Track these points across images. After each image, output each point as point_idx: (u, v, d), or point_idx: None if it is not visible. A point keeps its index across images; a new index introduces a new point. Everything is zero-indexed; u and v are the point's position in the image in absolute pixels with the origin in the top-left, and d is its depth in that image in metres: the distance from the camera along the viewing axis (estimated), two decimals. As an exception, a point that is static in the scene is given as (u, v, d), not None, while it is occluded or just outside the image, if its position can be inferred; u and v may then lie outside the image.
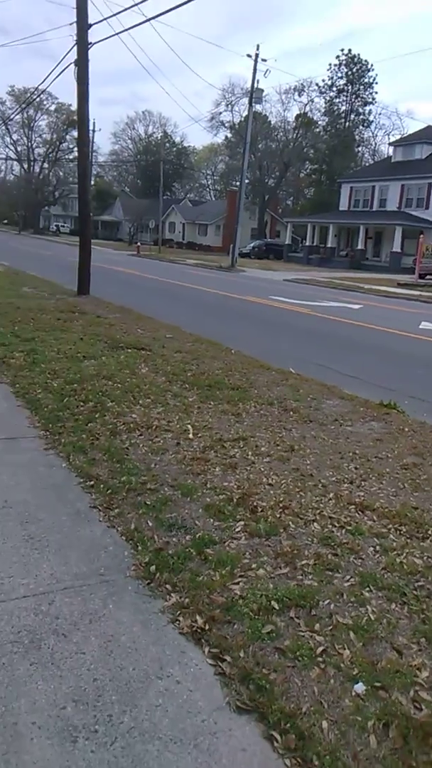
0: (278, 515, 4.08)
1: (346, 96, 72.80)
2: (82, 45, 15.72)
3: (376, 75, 73.17)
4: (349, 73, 71.59)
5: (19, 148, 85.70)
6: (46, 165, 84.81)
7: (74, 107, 19.51)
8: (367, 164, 69.65)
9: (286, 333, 13.75)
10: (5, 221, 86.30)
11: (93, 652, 2.73)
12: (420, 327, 16.29)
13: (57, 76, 36.13)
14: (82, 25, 15.70)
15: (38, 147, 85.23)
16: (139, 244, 56.44)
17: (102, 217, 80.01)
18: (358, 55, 70.77)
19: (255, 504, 4.21)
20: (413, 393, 8.28)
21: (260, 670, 2.64)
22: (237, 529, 3.87)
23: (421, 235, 39.94)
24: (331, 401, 7.18)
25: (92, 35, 15.96)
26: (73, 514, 4.00)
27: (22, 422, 5.72)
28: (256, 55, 38.26)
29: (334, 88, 72.13)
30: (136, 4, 15.17)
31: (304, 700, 2.50)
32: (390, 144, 60.61)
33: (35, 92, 59.41)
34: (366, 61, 70.76)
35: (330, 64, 73.98)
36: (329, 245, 52.01)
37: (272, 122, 74.73)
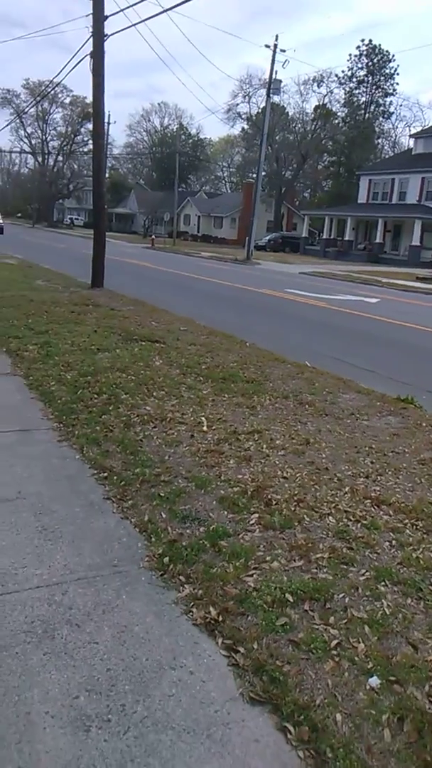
0: (293, 508, 4.06)
1: (367, 87, 72.06)
2: (98, 37, 15.68)
3: (398, 66, 72.36)
4: (370, 63, 70.85)
5: (33, 141, 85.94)
6: (60, 158, 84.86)
7: (89, 99, 19.51)
8: (386, 156, 69.00)
9: (302, 326, 13.69)
10: (19, 214, 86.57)
11: (106, 642, 2.73)
12: (437, 321, 16.15)
13: (72, 69, 36.23)
14: (98, 16, 15.65)
15: (53, 140, 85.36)
16: (153, 236, 56.47)
17: (116, 209, 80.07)
18: (379, 45, 70.10)
19: (269, 497, 4.20)
20: (431, 388, 8.21)
21: (274, 662, 2.62)
22: (251, 522, 3.86)
23: (440, 229, 39.54)
24: (347, 395, 7.14)
25: (108, 27, 15.95)
26: (86, 506, 4.00)
27: (36, 414, 5.74)
28: (275, 46, 37.93)
29: (354, 79, 71.46)
30: (153, -5, 15.09)
31: (318, 693, 2.48)
32: (411, 136, 59.85)
33: (50, 85, 59.53)
34: (387, 51, 70.03)
35: (350, 55, 73.48)
36: (347, 238, 51.66)
37: (290, 113, 74.37)
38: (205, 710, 2.40)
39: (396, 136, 78.17)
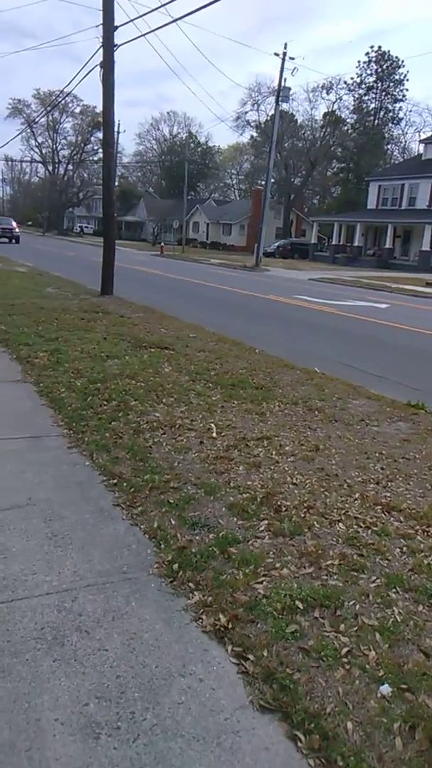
0: (303, 515, 4.05)
1: (376, 93, 71.97)
2: (108, 47, 15.78)
3: (408, 71, 72.04)
4: (379, 70, 70.81)
5: (43, 151, 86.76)
6: (70, 167, 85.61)
7: (99, 109, 19.63)
8: (396, 162, 68.92)
9: (311, 332, 13.67)
10: (29, 223, 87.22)
11: (116, 649, 2.73)
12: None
13: (82, 79, 36.48)
14: (108, 27, 15.75)
15: (63, 149, 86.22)
16: (162, 244, 56.63)
17: (126, 217, 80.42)
18: (389, 51, 70.00)
19: (279, 503, 4.19)
20: (440, 393, 8.17)
21: (284, 669, 2.61)
22: (261, 528, 3.85)
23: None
24: (357, 401, 7.12)
25: (118, 37, 16.03)
26: (96, 512, 4.01)
27: (46, 421, 5.76)
28: (284, 54, 37.91)
29: (364, 86, 71.36)
30: (163, 5, 15.16)
31: (329, 701, 2.47)
32: (421, 141, 59.66)
33: (60, 95, 59.99)
34: (397, 57, 69.91)
35: (359, 62, 73.28)
36: (356, 244, 51.60)
37: (299, 121, 74.43)
38: (214, 718, 2.39)
39: (406, 141, 78.17)
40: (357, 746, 2.26)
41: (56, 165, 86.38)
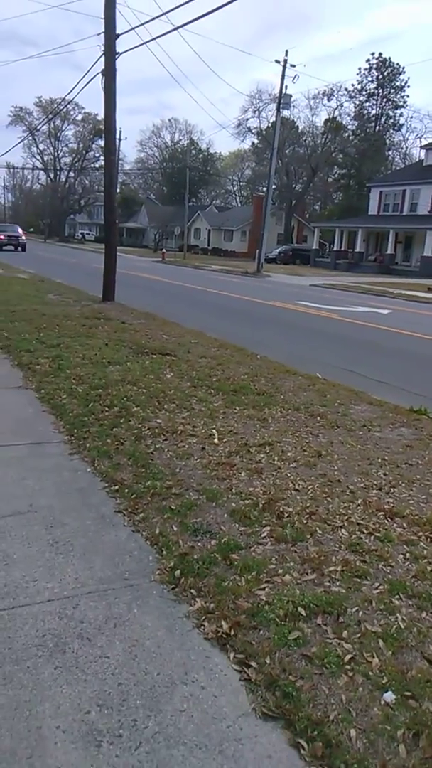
0: (305, 521, 4.03)
1: (377, 100, 72.20)
2: (110, 55, 15.84)
3: (408, 78, 72.24)
4: (380, 76, 71.02)
5: (45, 158, 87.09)
6: (72, 174, 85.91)
7: (101, 116, 19.71)
8: (397, 168, 69.07)
9: (313, 338, 13.67)
10: (31, 230, 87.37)
11: (117, 656, 2.71)
12: (449, 332, 16.08)
13: (84, 87, 36.58)
14: (110, 35, 15.82)
15: (64, 156, 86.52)
16: (164, 250, 56.77)
17: (127, 224, 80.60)
18: (389, 58, 70.26)
19: (281, 509, 4.17)
20: (442, 398, 8.15)
21: (287, 676, 2.60)
22: (263, 535, 3.84)
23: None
24: (359, 407, 7.10)
25: (120, 45, 16.09)
26: (97, 519, 4.00)
27: (47, 427, 5.75)
28: (285, 61, 38.13)
29: (364, 92, 71.58)
30: (165, 13, 15.21)
31: (332, 708, 2.45)
32: (422, 147, 59.82)
33: (62, 103, 60.25)
34: (397, 64, 70.18)
35: (360, 68, 73.69)
36: (357, 250, 51.69)
37: (300, 127, 74.61)
38: (217, 725, 2.37)
39: (407, 147, 78.37)
40: (360, 754, 2.25)
41: (58, 172, 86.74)
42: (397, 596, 3.25)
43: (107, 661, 2.68)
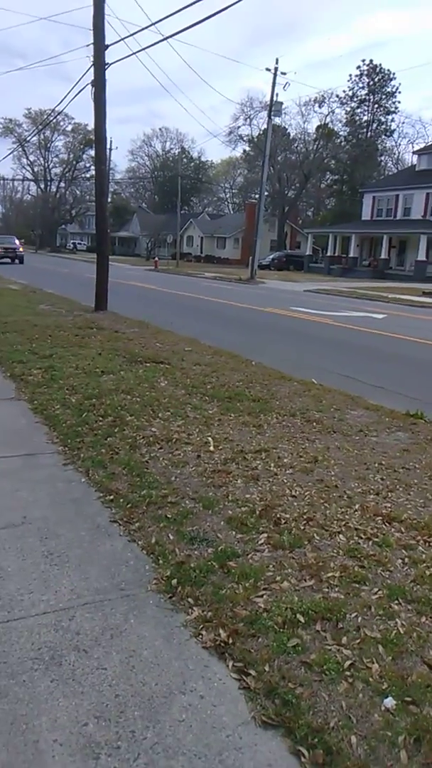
0: (302, 527, 4.01)
1: (368, 106, 72.51)
2: (99, 66, 15.88)
3: (399, 84, 72.73)
4: (371, 83, 71.39)
5: (35, 169, 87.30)
6: (62, 184, 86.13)
7: (91, 127, 19.76)
8: (390, 173, 69.37)
9: (308, 344, 13.67)
10: (22, 240, 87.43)
11: (114, 667, 2.69)
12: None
13: (74, 98, 36.72)
14: (99, 46, 15.86)
15: (55, 167, 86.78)
16: (156, 258, 56.80)
17: (119, 233, 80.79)
18: (380, 64, 70.59)
19: (278, 516, 4.15)
20: (438, 401, 8.15)
21: (286, 684, 2.57)
22: (260, 542, 3.81)
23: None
24: (355, 412, 7.09)
25: (109, 55, 16.17)
26: (92, 529, 3.97)
27: (41, 438, 5.72)
28: (275, 69, 38.22)
29: (356, 99, 71.87)
30: (153, 24, 15.27)
31: (332, 715, 2.43)
32: (414, 152, 60.18)
33: (52, 114, 60.40)
34: (388, 70, 70.48)
35: (351, 75, 73.98)
36: (351, 255, 51.85)
37: (292, 134, 74.91)
38: (216, 735, 2.34)
39: (399, 153, 78.72)
40: (361, 760, 2.23)
41: (48, 183, 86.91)
42: (396, 601, 3.23)
43: (104, 672, 2.65)
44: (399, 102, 76.89)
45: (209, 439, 5.69)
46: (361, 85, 71.61)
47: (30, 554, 3.62)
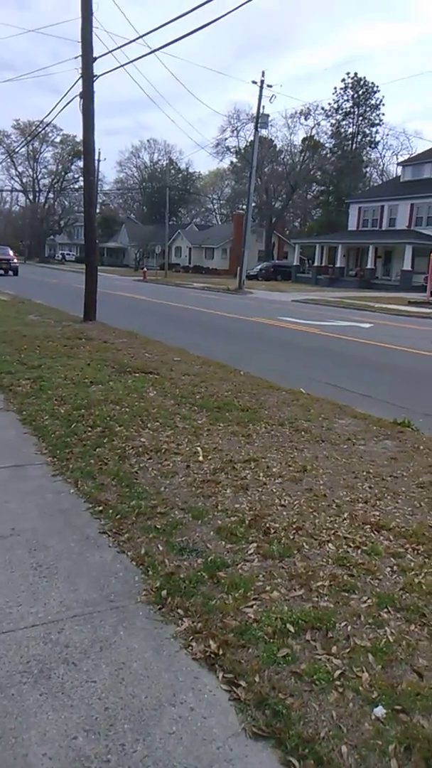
0: (291, 536, 4.01)
1: (353, 118, 73.41)
2: (87, 78, 15.94)
3: (383, 97, 73.59)
4: (356, 95, 72.30)
5: (24, 180, 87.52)
6: (51, 195, 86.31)
7: (79, 138, 19.82)
8: (375, 184, 70.03)
9: (296, 353, 13.72)
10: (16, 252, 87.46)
11: (104, 680, 2.67)
12: None
13: (62, 109, 36.81)
14: (87, 58, 15.93)
15: (43, 178, 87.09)
16: (145, 269, 56.93)
17: (108, 244, 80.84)
18: (365, 77, 71.76)
19: (267, 525, 4.15)
20: (428, 411, 8.20)
21: (276, 694, 2.56)
22: (249, 552, 3.81)
23: (432, 253, 39.85)
24: (343, 420, 7.12)
25: (97, 67, 16.19)
26: (82, 540, 3.95)
27: (30, 449, 5.70)
28: (262, 82, 38.71)
29: (341, 111, 72.80)
30: (141, 36, 15.46)
31: (323, 725, 2.42)
32: (398, 164, 60.89)
33: (40, 125, 60.52)
34: (372, 83, 71.59)
35: (336, 88, 74.88)
36: (338, 265, 52.21)
37: (278, 146, 75.61)
38: (207, 747, 2.33)
39: (384, 164, 79.71)
40: (352, 771, 2.22)
41: (37, 193, 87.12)
42: (385, 609, 3.23)
43: (94, 685, 2.64)
44: (383, 114, 77.81)
45: (198, 449, 5.68)
46: (345, 97, 72.64)
47: (18, 566, 3.60)
